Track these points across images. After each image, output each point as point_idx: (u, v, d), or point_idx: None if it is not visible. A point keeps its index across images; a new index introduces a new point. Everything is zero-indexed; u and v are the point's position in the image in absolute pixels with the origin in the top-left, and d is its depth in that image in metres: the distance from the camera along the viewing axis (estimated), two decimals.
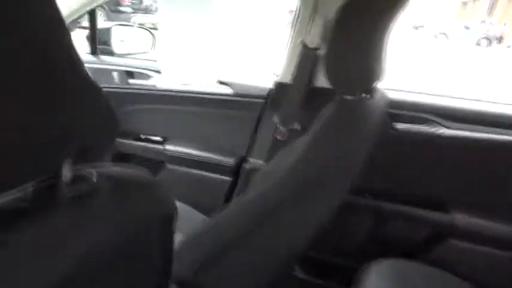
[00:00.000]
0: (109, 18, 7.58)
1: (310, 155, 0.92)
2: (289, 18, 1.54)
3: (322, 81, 1.41)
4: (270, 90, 1.60)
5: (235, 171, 1.72)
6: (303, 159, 0.92)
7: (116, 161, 1.95)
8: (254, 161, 1.67)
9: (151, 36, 1.94)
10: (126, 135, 1.88)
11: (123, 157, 1.92)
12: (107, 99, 0.46)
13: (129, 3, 8.43)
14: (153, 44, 1.94)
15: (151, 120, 1.85)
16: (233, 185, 1.74)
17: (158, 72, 1.79)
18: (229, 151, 1.74)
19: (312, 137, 0.94)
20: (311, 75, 1.42)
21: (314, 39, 1.38)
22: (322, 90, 1.40)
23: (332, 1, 1.28)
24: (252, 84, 1.66)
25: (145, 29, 1.93)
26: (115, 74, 1.81)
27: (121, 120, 1.74)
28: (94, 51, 1.85)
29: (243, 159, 1.71)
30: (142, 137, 1.86)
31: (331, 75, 0.97)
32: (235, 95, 1.67)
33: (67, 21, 1.68)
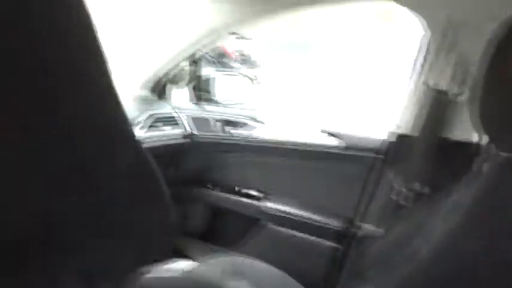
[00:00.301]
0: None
1: (466, 231, 0.65)
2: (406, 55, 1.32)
3: (460, 132, 1.13)
4: (386, 143, 1.35)
5: (342, 236, 1.47)
6: (456, 237, 0.66)
7: (211, 216, 1.83)
8: (366, 227, 1.41)
9: (253, 85, 1.84)
10: (223, 187, 1.75)
11: (218, 211, 1.79)
12: (157, 171, 0.29)
13: (236, 58, 8.84)
14: (255, 93, 1.84)
15: (249, 173, 1.70)
16: (339, 253, 1.48)
17: (259, 122, 1.66)
18: (335, 212, 1.50)
19: (466, 207, 0.68)
20: (443, 125, 1.15)
21: (447, 80, 1.12)
22: (462, 143, 1.12)
23: (475, 33, 1.02)
24: (363, 135, 1.43)
25: (247, 77, 1.84)
26: (215, 123, 1.72)
27: (218, 171, 1.62)
28: (195, 100, 1.80)
29: (351, 223, 1.46)
30: (239, 190, 1.72)
31: (482, 126, 0.71)
32: (343, 147, 1.45)
33: (165, 69, 1.66)
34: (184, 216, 1.92)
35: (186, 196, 1.86)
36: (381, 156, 1.37)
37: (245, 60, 8.88)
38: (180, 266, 1.91)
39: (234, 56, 8.62)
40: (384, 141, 1.36)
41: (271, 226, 1.62)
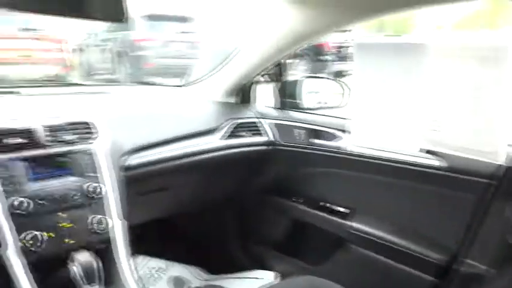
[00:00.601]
0: (309, 67, 7.80)
1: None
2: None
3: None
4: (503, 168, 1.11)
5: (442, 271, 1.26)
6: None
7: (291, 228, 1.73)
8: (472, 264, 1.19)
9: (344, 89, 1.68)
10: (305, 200, 1.64)
11: (299, 224, 1.68)
12: None
13: (333, 51, 8.54)
14: (346, 99, 1.67)
15: (335, 188, 1.56)
16: None
17: (348, 132, 1.50)
18: (433, 241, 1.30)
19: None
20: None
21: None
22: None
23: None
24: (474, 157, 1.20)
25: (337, 82, 1.68)
26: (299, 131, 1.60)
27: (301, 183, 1.52)
28: (280, 105, 1.70)
29: (453, 257, 1.25)
30: (323, 205, 1.58)
31: None
32: (447, 169, 1.23)
33: (250, 75, 1.59)
34: (264, 226, 1.85)
35: (267, 205, 1.79)
36: (495, 183, 1.13)
37: (342, 53, 8.53)
38: (259, 276, 1.85)
39: (330, 49, 8.34)
40: (499, 165, 1.12)
41: (357, 248, 1.47)
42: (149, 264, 1.88)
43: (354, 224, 1.47)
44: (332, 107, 1.70)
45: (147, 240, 1.73)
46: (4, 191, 0.98)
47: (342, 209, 1.52)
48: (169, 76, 7.55)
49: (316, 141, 1.56)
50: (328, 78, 1.71)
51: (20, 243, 0.97)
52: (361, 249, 1.46)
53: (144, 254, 1.91)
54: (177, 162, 1.40)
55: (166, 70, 7.44)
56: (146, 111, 1.50)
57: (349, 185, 1.50)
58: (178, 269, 1.91)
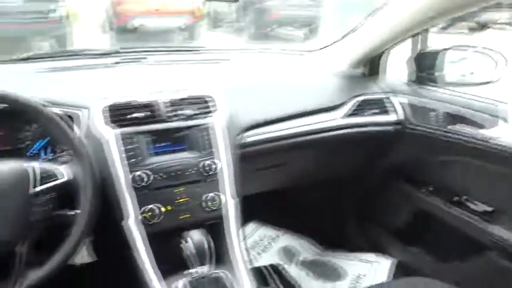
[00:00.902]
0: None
1: None
2: None
3: None
4: None
5: None
6: None
7: (416, 219, 1.56)
8: None
9: (497, 60, 1.34)
10: (437, 192, 1.44)
11: (427, 217, 1.49)
12: None
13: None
14: (499, 72, 1.35)
15: (476, 183, 1.33)
16: None
17: (502, 119, 1.22)
18: None
19: None
20: None
21: None
22: None
23: None
24: None
25: (489, 53, 1.34)
26: (437, 113, 1.37)
27: (433, 172, 1.32)
28: (415, 80, 1.47)
29: None
30: (458, 200, 1.37)
31: None
32: None
33: (382, 47, 1.39)
34: (385, 209, 1.71)
35: (391, 189, 1.63)
36: None
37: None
38: (373, 259, 1.74)
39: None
40: None
41: (493, 256, 1.26)
42: (259, 232, 1.89)
43: (495, 229, 1.24)
44: (480, 83, 1.39)
45: (259, 208, 1.72)
46: (128, 164, 1.01)
47: (481, 209, 1.30)
48: (294, 27, 7.40)
49: (458, 125, 1.32)
50: (477, 50, 1.39)
51: (140, 215, 1.00)
52: (499, 259, 1.24)
53: (256, 221, 1.92)
54: (296, 139, 1.32)
55: (290, 21, 7.30)
56: (267, 82, 1.42)
57: (495, 182, 1.26)
58: (289, 240, 1.90)
